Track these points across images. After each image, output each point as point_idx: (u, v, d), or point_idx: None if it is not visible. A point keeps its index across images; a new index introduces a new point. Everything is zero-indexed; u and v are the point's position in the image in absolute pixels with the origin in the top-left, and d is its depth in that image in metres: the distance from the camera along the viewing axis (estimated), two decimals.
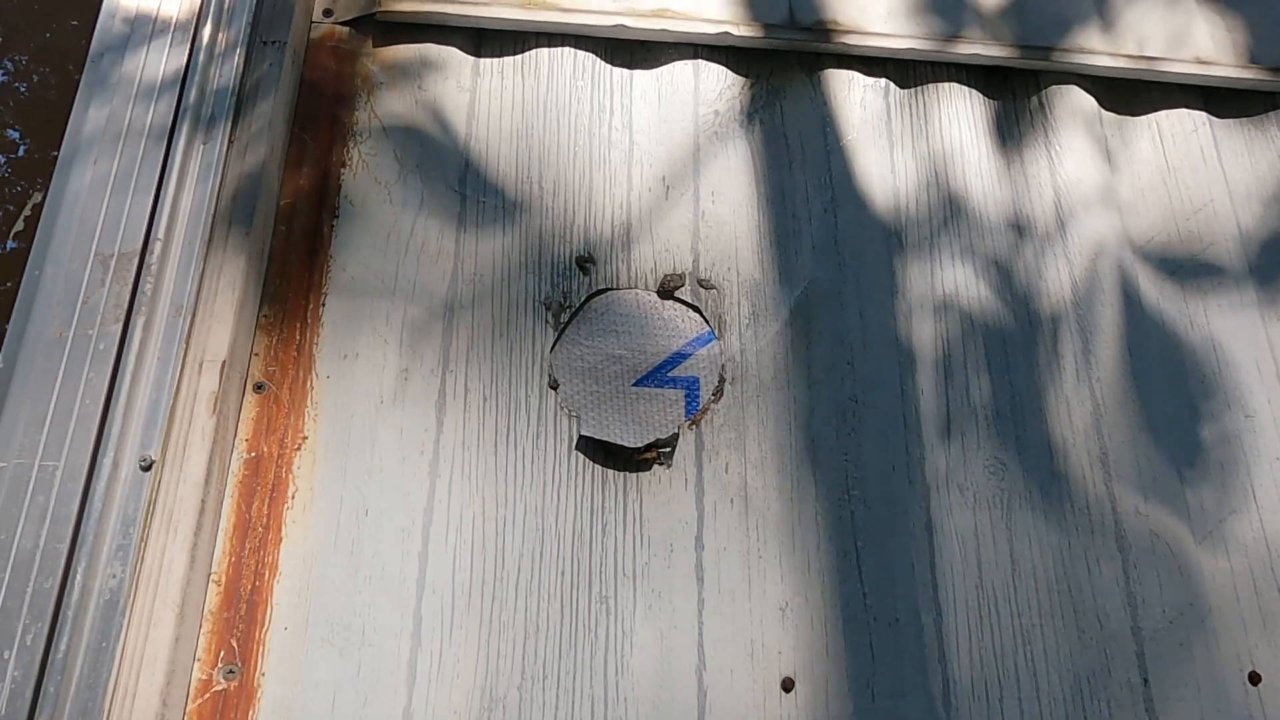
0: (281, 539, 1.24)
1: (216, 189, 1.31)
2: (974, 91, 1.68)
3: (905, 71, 1.68)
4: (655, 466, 1.35)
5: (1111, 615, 1.35)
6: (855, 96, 1.64)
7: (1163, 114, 1.73)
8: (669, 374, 1.41)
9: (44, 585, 1.09)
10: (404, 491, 1.28)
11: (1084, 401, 1.47)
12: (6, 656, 1.05)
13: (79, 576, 1.09)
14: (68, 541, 1.11)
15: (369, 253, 1.41)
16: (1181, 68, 1.70)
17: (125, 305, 1.22)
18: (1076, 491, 1.42)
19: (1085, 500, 1.41)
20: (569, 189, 1.51)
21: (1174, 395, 1.51)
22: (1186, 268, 1.61)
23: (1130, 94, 1.73)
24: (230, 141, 1.37)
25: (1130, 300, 1.54)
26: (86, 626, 1.08)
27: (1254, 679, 1.34)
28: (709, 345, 1.44)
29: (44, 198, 1.25)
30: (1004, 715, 1.28)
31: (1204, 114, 1.73)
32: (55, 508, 1.12)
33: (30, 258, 1.23)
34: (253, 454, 1.28)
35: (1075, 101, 1.68)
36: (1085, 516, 1.40)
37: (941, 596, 1.33)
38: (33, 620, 1.06)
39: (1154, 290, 1.58)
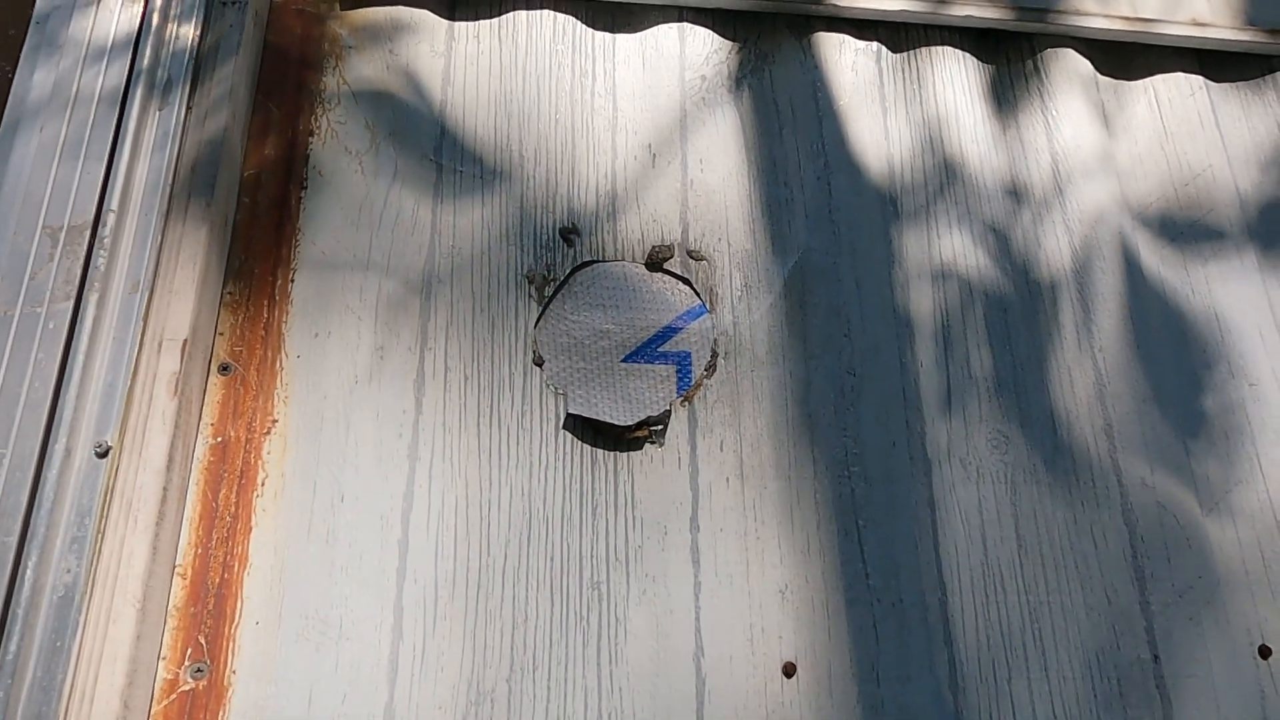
0: (251, 528, 1.16)
1: (174, 158, 1.23)
2: (968, 55, 1.63)
3: (897, 35, 1.62)
4: (647, 445, 1.29)
5: (1120, 590, 1.31)
6: (846, 60, 1.58)
7: (1159, 78, 1.69)
8: (659, 349, 1.34)
9: None
10: (382, 476, 1.21)
11: (1087, 372, 1.43)
12: None
13: (30, 572, 1.01)
14: (16, 534, 1.02)
15: (340, 226, 1.34)
16: (1178, 30, 1.66)
17: (77, 281, 1.14)
18: (1081, 464, 1.37)
19: (1090, 472, 1.37)
20: (551, 157, 1.43)
21: (1177, 364, 1.47)
22: (1186, 234, 1.57)
23: (1126, 57, 1.69)
24: (189, 108, 1.28)
25: (1131, 268, 1.50)
26: (39, 625, 1.00)
27: (1264, 652, 1.30)
28: (700, 319, 1.37)
29: None
30: (1013, 696, 1.23)
31: (1200, 78, 1.69)
32: (3, 498, 1.04)
33: None
34: (219, 439, 1.20)
35: (1071, 65, 1.63)
36: (1091, 489, 1.36)
37: (946, 575, 1.28)
38: None
39: (1154, 258, 1.54)
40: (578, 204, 1.41)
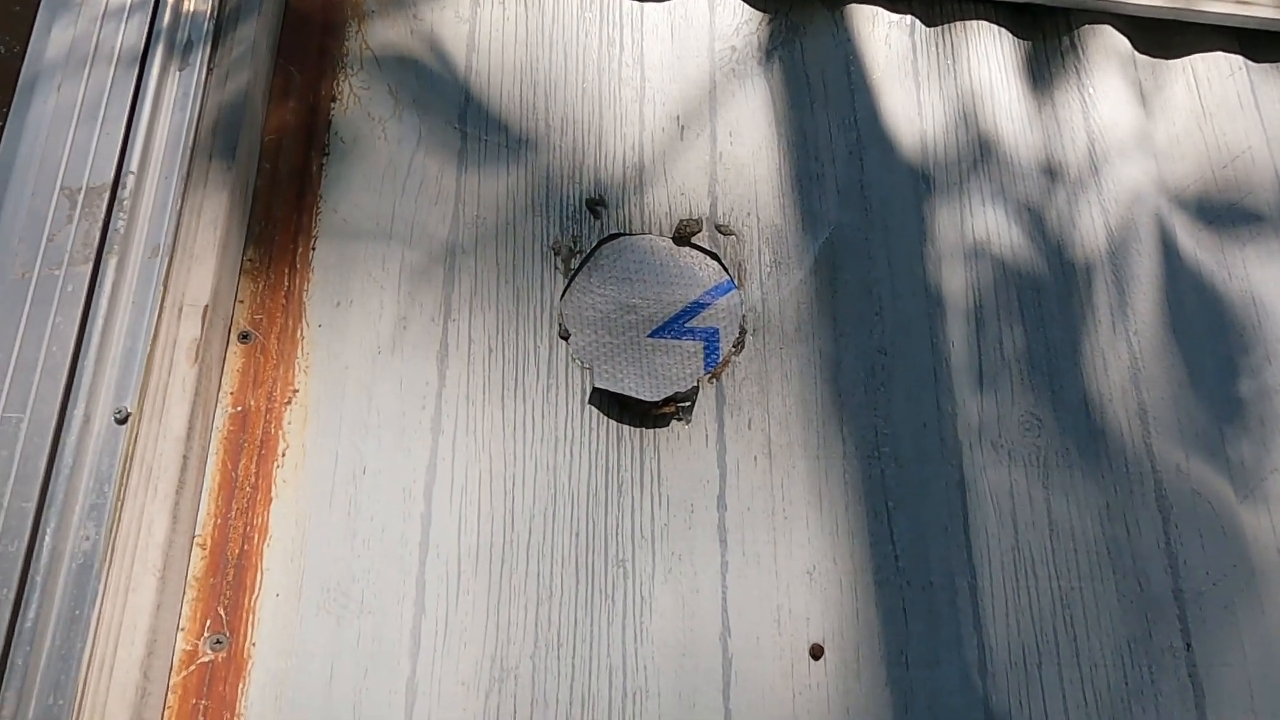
0: (271, 499, 1.14)
1: (195, 120, 1.20)
2: (1003, 30, 1.59)
3: (931, 8, 1.58)
4: (674, 422, 1.26)
5: (1152, 577, 1.28)
6: (880, 33, 1.54)
7: (1198, 57, 1.65)
8: (687, 324, 1.32)
9: (9, 548, 0.98)
10: (404, 448, 1.18)
11: (1121, 355, 1.40)
12: None
13: (48, 538, 0.99)
14: (35, 500, 1.00)
15: (362, 193, 1.31)
16: (1218, 7, 1.61)
17: (95, 244, 1.11)
18: (1115, 448, 1.34)
19: (1124, 457, 1.34)
20: (578, 127, 1.40)
21: (1213, 349, 1.44)
22: (1224, 217, 1.54)
23: (1164, 35, 1.65)
24: (209, 70, 1.25)
25: (1168, 250, 1.47)
26: (57, 593, 0.98)
27: None
28: (728, 295, 1.34)
29: (1, 127, 1.13)
30: (1043, 683, 1.21)
31: (1240, 57, 1.65)
32: (20, 464, 1.02)
33: None
34: (238, 408, 1.18)
35: (1108, 42, 1.59)
36: (1124, 474, 1.33)
37: (976, 559, 1.25)
38: None
39: (1191, 240, 1.50)
40: (604, 175, 1.38)
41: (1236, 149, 1.58)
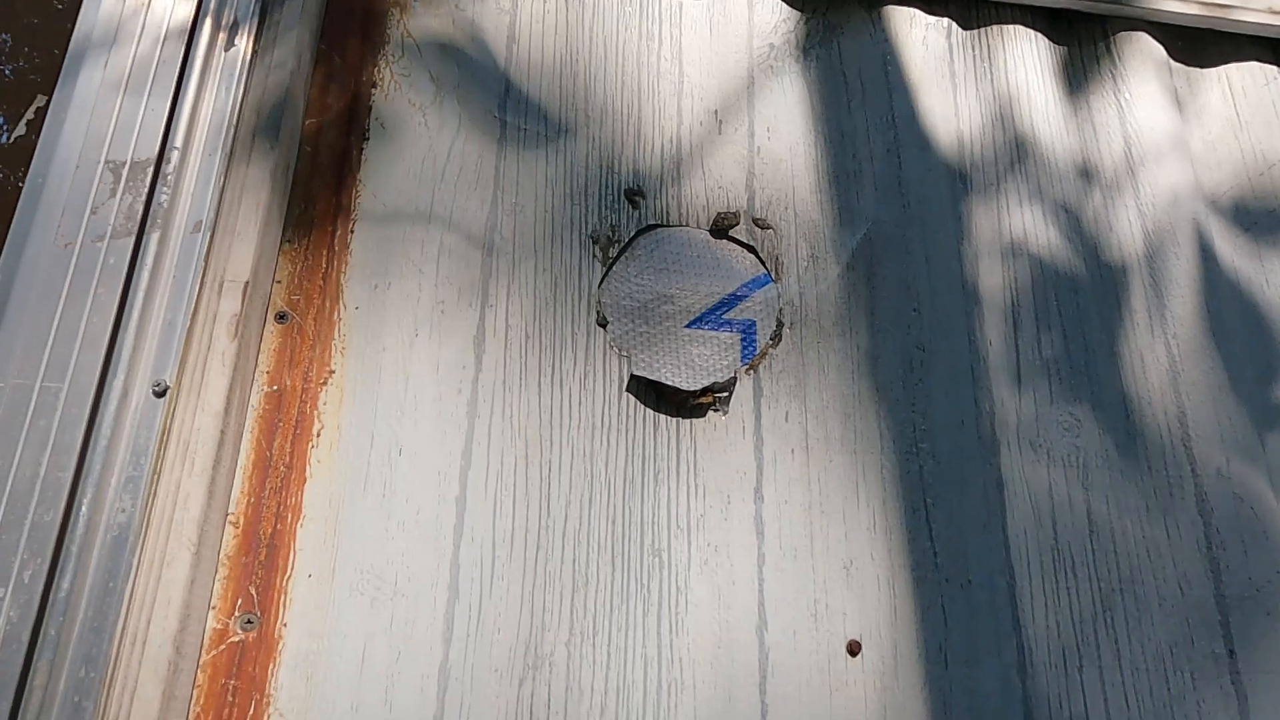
0: (306, 479, 1.13)
1: (239, 99, 1.20)
2: (1039, 35, 1.59)
3: (968, 11, 1.59)
4: (710, 413, 1.25)
5: (1194, 582, 1.26)
6: (917, 35, 1.54)
7: (1233, 66, 1.65)
8: (724, 316, 1.31)
9: (44, 518, 0.97)
10: (440, 432, 1.17)
11: (1159, 358, 1.38)
12: (1, 595, 0.93)
13: (84, 509, 0.98)
14: (71, 470, 0.99)
15: (402, 178, 1.30)
16: (1255, 17, 1.62)
17: (139, 218, 1.11)
18: (1154, 451, 1.33)
19: (1163, 460, 1.32)
20: (616, 119, 1.40)
21: (1251, 354, 1.42)
22: (1261, 224, 1.53)
23: (1199, 44, 1.65)
24: (254, 51, 1.26)
25: (1205, 254, 1.46)
26: (92, 564, 0.96)
27: None
28: (765, 288, 1.34)
29: (49, 100, 1.13)
30: (1084, 686, 1.19)
31: (1275, 67, 1.65)
32: (58, 434, 1.01)
33: (33, 163, 1.11)
34: (274, 387, 1.17)
35: (1144, 48, 1.59)
36: (1164, 477, 1.31)
37: (1014, 558, 1.24)
38: (31, 556, 0.95)
39: (1228, 246, 1.50)
40: (643, 166, 1.38)
41: (1273, 157, 1.58)
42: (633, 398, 1.24)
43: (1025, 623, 1.21)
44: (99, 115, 1.15)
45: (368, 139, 1.32)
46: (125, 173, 1.13)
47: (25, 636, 0.92)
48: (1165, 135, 1.53)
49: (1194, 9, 1.61)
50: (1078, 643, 1.21)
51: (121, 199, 1.11)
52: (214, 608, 1.06)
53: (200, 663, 1.03)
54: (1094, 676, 1.19)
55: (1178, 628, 1.23)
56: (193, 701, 1.01)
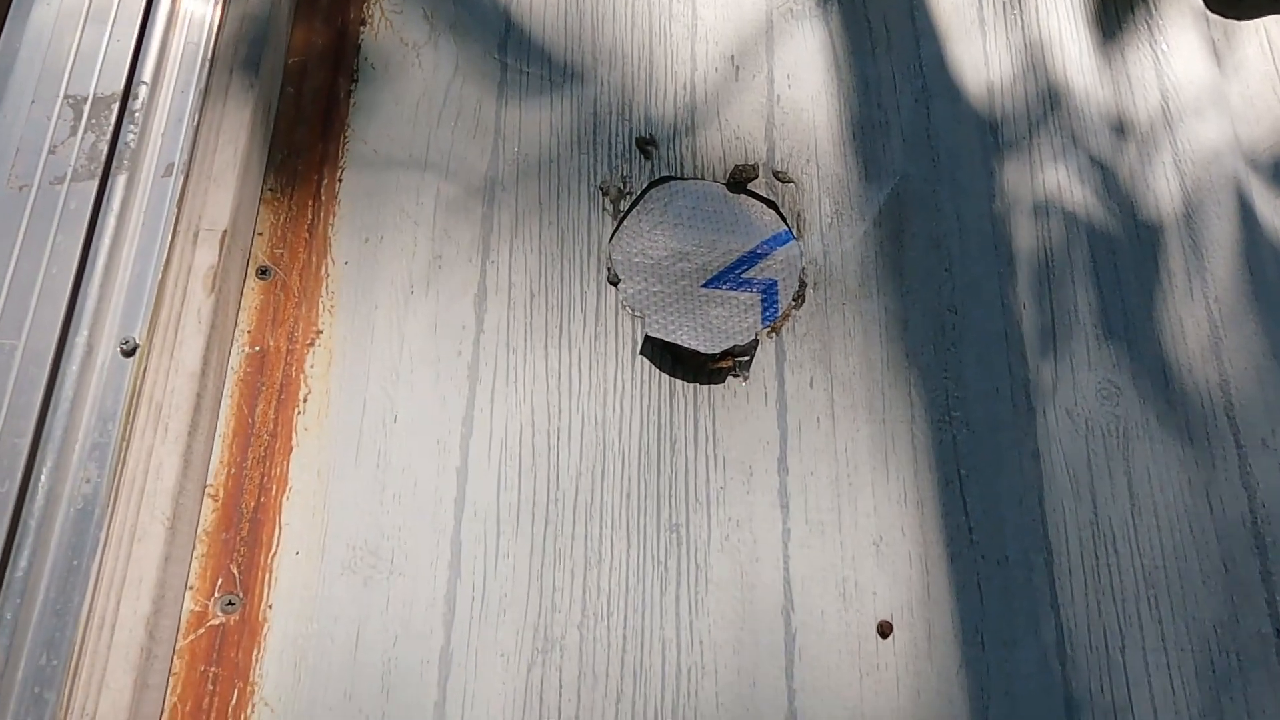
0: (292, 448, 1.03)
1: (215, 30, 1.09)
2: None
3: None
4: (730, 378, 1.16)
5: (1239, 559, 1.19)
6: None
7: (1271, 19, 1.56)
8: (743, 275, 1.21)
9: None
10: (439, 396, 1.08)
11: (1200, 322, 1.31)
12: None
13: (44, 479, 0.87)
14: (29, 437, 0.89)
15: (394, 122, 1.20)
16: None
17: (103, 158, 1.00)
18: (1195, 421, 1.25)
19: (1205, 431, 1.25)
20: (626, 62, 1.30)
21: None
22: None
23: None
24: None
25: (1246, 214, 1.38)
26: (53, 540, 0.86)
27: None
28: (787, 245, 1.24)
29: (0, 27, 1.02)
30: (1126, 668, 1.11)
31: None
32: (14, 396, 0.90)
33: None
34: (256, 348, 1.06)
35: None
36: (1205, 448, 1.24)
37: (1053, 533, 1.16)
38: None
39: (1269, 207, 1.42)
40: (655, 114, 1.28)
41: None
42: (647, 361, 1.15)
43: (1064, 602, 1.13)
44: (57, 45, 1.04)
45: (356, 80, 1.21)
46: (87, 109, 1.01)
47: None
48: (1204, 88, 1.44)
49: None
50: (1120, 623, 1.13)
51: (83, 138, 1.00)
52: (191, 588, 0.96)
53: (177, 648, 0.94)
54: (1137, 658, 1.12)
55: (1223, 606, 1.17)
56: (169, 691, 0.92)
